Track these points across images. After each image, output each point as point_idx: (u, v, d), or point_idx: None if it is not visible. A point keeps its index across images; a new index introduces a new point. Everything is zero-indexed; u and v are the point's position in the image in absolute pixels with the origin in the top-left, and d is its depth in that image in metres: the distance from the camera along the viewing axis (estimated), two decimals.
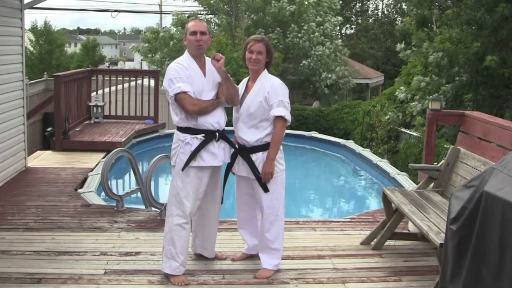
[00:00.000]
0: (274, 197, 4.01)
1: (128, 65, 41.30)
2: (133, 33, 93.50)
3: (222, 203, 4.25)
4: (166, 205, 4.20)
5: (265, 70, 4.05)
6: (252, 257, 4.34)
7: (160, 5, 37.40)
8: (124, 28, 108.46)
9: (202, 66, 3.95)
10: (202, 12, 23.85)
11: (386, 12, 33.67)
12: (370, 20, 33.20)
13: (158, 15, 37.22)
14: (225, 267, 4.23)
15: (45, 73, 18.99)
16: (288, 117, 3.97)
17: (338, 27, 24.90)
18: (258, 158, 3.98)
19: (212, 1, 22.11)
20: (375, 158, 9.34)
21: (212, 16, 23.76)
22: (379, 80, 24.97)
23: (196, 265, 4.24)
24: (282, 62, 18.69)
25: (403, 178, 7.56)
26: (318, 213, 8.16)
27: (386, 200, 4.69)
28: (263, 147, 3.98)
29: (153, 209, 5.66)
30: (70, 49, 52.05)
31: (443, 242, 3.29)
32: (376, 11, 34.28)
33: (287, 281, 4.02)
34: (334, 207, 8.72)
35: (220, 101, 3.96)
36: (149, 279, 3.99)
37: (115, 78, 11.54)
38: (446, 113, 6.23)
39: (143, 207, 5.87)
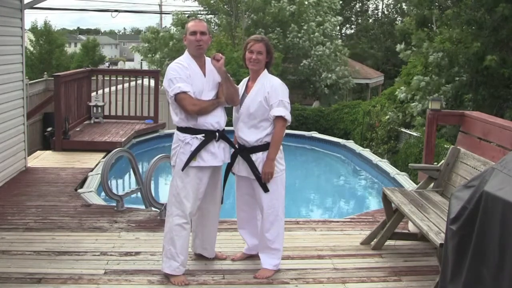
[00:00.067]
0: (274, 197, 4.01)
1: (128, 65, 41.30)
2: (133, 33, 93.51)
3: (222, 203, 4.25)
4: (166, 205, 4.20)
5: (265, 70, 4.05)
6: (252, 257, 4.34)
7: (160, 5, 37.46)
8: (124, 28, 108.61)
9: (202, 66, 3.95)
10: (202, 12, 23.85)
11: (386, 12, 33.69)
12: (370, 20, 33.21)
13: (158, 15, 37.26)
14: (225, 267, 4.23)
15: (45, 73, 18.99)
16: (288, 117, 3.97)
17: (338, 27, 24.90)
18: (258, 158, 3.98)
19: (212, 1, 22.11)
20: (375, 158, 9.34)
21: (212, 16, 23.76)
22: (379, 80, 24.97)
23: (196, 265, 4.24)
24: (282, 62, 18.68)
25: (403, 178, 7.57)
26: (318, 213, 8.16)
27: (386, 200, 4.70)
28: (263, 147, 3.98)
29: (153, 209, 5.66)
30: (70, 49, 52.06)
31: (443, 242, 3.29)
32: (376, 11, 34.32)
33: (287, 281, 4.02)
34: (334, 207, 8.72)
35: (220, 101, 3.96)
36: (149, 279, 3.99)
37: (115, 78, 11.54)
38: (446, 113, 6.23)
39: (143, 207, 5.86)
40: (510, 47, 10.63)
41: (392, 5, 32.54)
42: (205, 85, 3.92)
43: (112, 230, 5.04)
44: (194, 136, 3.88)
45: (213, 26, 23.48)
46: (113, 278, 3.99)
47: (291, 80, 18.80)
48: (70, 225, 5.15)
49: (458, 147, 4.99)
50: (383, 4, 33.83)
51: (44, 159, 8.31)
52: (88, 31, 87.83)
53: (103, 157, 7.81)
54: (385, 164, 8.75)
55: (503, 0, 9.86)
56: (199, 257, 4.34)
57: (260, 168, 3.96)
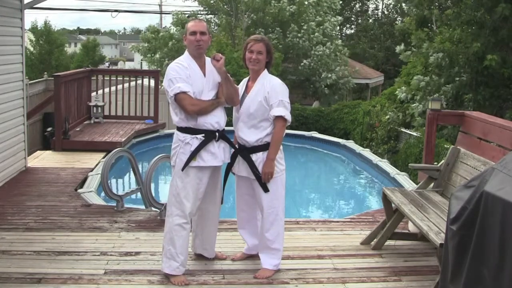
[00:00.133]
0: (274, 197, 4.01)
1: (128, 65, 41.29)
2: (133, 33, 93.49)
3: (222, 203, 4.25)
4: (166, 205, 4.20)
5: (265, 70, 4.05)
6: (252, 257, 4.34)
7: (160, 5, 37.47)
8: (124, 28, 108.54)
9: (202, 66, 3.95)
10: (202, 12, 23.85)
11: (386, 12, 33.68)
12: (370, 20, 33.20)
13: (158, 15, 37.26)
14: (225, 267, 4.23)
15: (45, 73, 18.98)
16: (288, 117, 3.97)
17: (338, 27, 24.90)
18: (258, 158, 3.98)
19: (212, 1, 22.10)
20: (375, 158, 9.34)
21: (212, 16, 23.75)
22: (379, 80, 24.96)
23: (196, 265, 4.24)
24: (282, 62, 18.68)
25: (403, 178, 7.57)
26: (318, 213, 8.16)
27: (386, 200, 4.70)
28: (263, 147, 3.98)
29: (153, 209, 5.65)
30: (70, 49, 52.07)
31: (443, 242, 3.29)
32: (376, 11, 34.31)
33: (287, 281, 4.03)
34: (334, 207, 8.72)
35: (220, 101, 3.96)
36: (149, 279, 3.99)
37: (115, 78, 11.54)
38: (446, 113, 6.23)
39: (143, 207, 5.87)
40: (510, 47, 10.63)
41: (392, 5, 32.54)
42: (205, 85, 3.92)
43: (112, 230, 5.04)
44: (194, 136, 3.88)
45: (213, 26, 23.47)
46: (113, 278, 3.99)
47: (291, 80, 18.79)
48: (70, 225, 5.15)
49: (458, 147, 4.99)
50: (383, 4, 33.86)
51: (44, 159, 8.31)
52: (88, 31, 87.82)
53: (103, 157, 7.81)
54: (385, 164, 8.75)
55: (503, 0, 9.86)
56: (199, 257, 4.34)
57: (260, 168, 3.96)
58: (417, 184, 5.74)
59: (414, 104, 11.61)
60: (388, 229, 4.64)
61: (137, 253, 4.48)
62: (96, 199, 6.10)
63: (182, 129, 3.93)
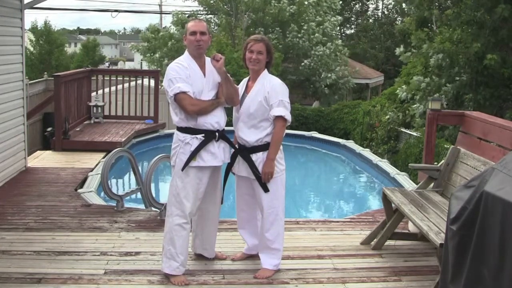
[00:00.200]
0: (274, 197, 4.01)
1: (128, 65, 41.29)
2: (133, 33, 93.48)
3: (222, 203, 4.25)
4: (166, 205, 4.20)
5: (265, 70, 4.05)
6: (252, 257, 4.34)
7: (160, 5, 37.46)
8: (124, 28, 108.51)
9: (202, 66, 3.95)
10: (202, 12, 23.84)
11: (386, 12, 33.68)
12: (370, 20, 33.19)
13: (158, 15, 37.25)
14: (225, 267, 4.23)
15: (45, 73, 18.98)
16: (288, 117, 3.97)
17: (338, 27, 24.90)
18: (258, 158, 3.98)
19: (212, 1, 22.09)
20: (375, 158, 9.34)
21: (212, 16, 23.75)
22: (379, 80, 24.96)
23: (196, 265, 4.24)
24: (282, 62, 18.68)
25: (403, 178, 7.57)
26: (318, 213, 8.17)
27: (386, 200, 4.70)
28: (263, 147, 3.98)
29: (153, 209, 5.65)
30: (70, 49, 52.06)
31: (443, 242, 3.29)
32: (376, 11, 34.30)
33: (287, 281, 4.02)
34: (334, 207, 8.72)
35: (220, 101, 3.96)
36: (149, 279, 3.99)
37: (115, 78, 11.54)
38: (446, 113, 6.23)
39: (143, 207, 5.87)
40: (510, 47, 10.63)
41: (392, 5, 32.54)
42: (205, 85, 3.92)
43: (112, 230, 5.04)
44: (194, 136, 3.88)
45: (213, 26, 23.47)
46: (113, 278, 3.99)
47: (291, 80, 18.79)
48: (70, 225, 5.15)
49: (458, 147, 4.99)
50: (383, 4, 33.86)
51: (44, 159, 8.31)
52: (88, 31, 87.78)
53: (103, 157, 7.81)
54: (385, 164, 8.75)
55: (502, 0, 9.86)
56: (199, 257, 4.34)
57: (260, 168, 3.96)
58: (417, 184, 5.74)
59: (415, 105, 11.61)
60: (388, 229, 4.64)
61: (137, 253, 4.48)
62: (96, 199, 6.10)
63: (182, 129, 3.93)
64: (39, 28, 35.45)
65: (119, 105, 11.05)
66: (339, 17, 22.08)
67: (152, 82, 11.28)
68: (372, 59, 28.81)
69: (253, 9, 19.47)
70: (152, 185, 5.70)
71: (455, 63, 10.65)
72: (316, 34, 19.55)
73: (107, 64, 47.46)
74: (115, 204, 5.70)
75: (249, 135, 3.99)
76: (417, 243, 4.78)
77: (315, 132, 12.42)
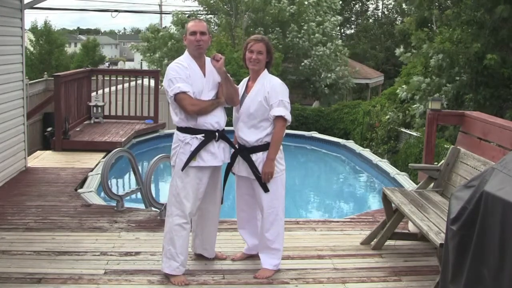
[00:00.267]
0: (274, 197, 4.01)
1: (128, 65, 41.29)
2: (133, 33, 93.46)
3: (222, 203, 4.25)
4: (166, 205, 4.20)
5: (265, 70, 4.05)
6: (252, 257, 4.34)
7: (160, 5, 37.45)
8: (124, 28, 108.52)
9: (202, 66, 3.95)
10: (202, 12, 23.84)
11: (386, 12, 33.68)
12: (370, 20, 33.19)
13: (158, 15, 37.25)
14: (225, 267, 4.23)
15: (45, 73, 18.98)
16: (288, 117, 3.97)
17: (338, 27, 24.89)
18: (258, 158, 3.98)
19: (212, 1, 22.09)
20: (375, 158, 9.34)
21: (212, 16, 23.75)
22: (379, 80, 24.96)
23: (196, 265, 4.24)
24: (282, 62, 18.68)
25: (403, 178, 7.57)
26: (318, 213, 8.16)
27: (386, 200, 4.69)
28: (263, 147, 3.98)
29: (153, 209, 5.65)
30: (70, 49, 52.04)
31: (443, 242, 3.29)
32: (376, 11, 34.29)
33: (287, 281, 4.02)
34: (334, 207, 8.72)
35: (220, 101, 3.96)
36: (149, 279, 3.99)
37: (115, 78, 11.54)
38: (446, 113, 6.23)
39: (143, 207, 5.86)
40: (510, 47, 10.63)
41: (392, 5, 32.53)
42: (205, 85, 3.92)
43: (112, 230, 5.04)
44: (194, 136, 3.88)
45: (213, 26, 23.47)
46: (113, 278, 3.99)
47: (291, 80, 18.79)
48: (70, 225, 5.15)
49: (458, 147, 4.99)
50: (383, 4, 33.85)
51: (44, 159, 8.31)
52: (88, 31, 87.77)
53: (103, 157, 7.81)
54: (385, 164, 8.75)
55: (502, 1, 9.86)
56: (199, 257, 4.34)
57: (260, 168, 3.96)
58: (417, 184, 5.74)
59: (415, 105, 11.61)
60: (388, 229, 4.64)
61: (137, 253, 4.48)
62: (96, 199, 6.10)
63: (182, 129, 3.93)
64: (39, 28, 35.45)
65: (119, 105, 11.05)
66: (339, 17, 22.08)
67: (152, 82, 11.28)
68: (372, 59, 28.80)
69: (253, 9, 19.47)
70: (152, 185, 5.70)
71: (455, 63, 10.65)
72: (316, 35, 19.55)
73: (107, 64, 47.46)
74: (115, 204, 5.70)
75: (249, 135, 3.99)
76: (417, 243, 4.78)
77: (315, 132, 12.42)
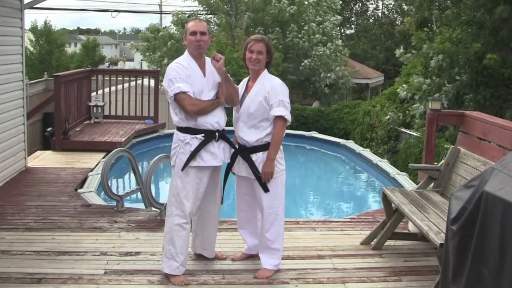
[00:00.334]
0: (274, 197, 4.01)
1: (128, 65, 41.29)
2: (133, 33, 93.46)
3: (222, 203, 4.25)
4: (166, 205, 4.21)
5: (265, 70, 4.05)
6: (252, 257, 4.34)
7: (160, 5, 37.45)
8: (124, 28, 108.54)
9: (202, 66, 3.95)
10: (201, 12, 23.84)
11: (386, 12, 33.67)
12: (370, 20, 33.18)
13: (158, 15, 37.25)
14: (225, 267, 4.23)
15: (45, 73, 18.99)
16: (288, 117, 3.97)
17: (338, 27, 24.89)
18: (258, 158, 3.98)
19: (212, 1, 22.09)
20: (375, 158, 9.34)
21: (212, 16, 23.74)
22: (379, 80, 24.95)
23: (196, 265, 4.24)
24: (282, 62, 18.68)
25: (403, 178, 7.57)
26: (318, 213, 8.16)
27: (386, 200, 4.69)
28: (263, 147, 3.98)
29: (153, 209, 5.65)
30: (70, 49, 52.03)
31: (443, 242, 3.29)
32: (376, 11, 34.28)
33: (287, 281, 4.02)
34: (334, 207, 8.72)
35: (220, 101, 3.96)
36: (149, 279, 3.99)
37: (115, 78, 11.54)
38: (446, 113, 6.23)
39: (143, 207, 5.87)
40: (510, 47, 10.63)
41: (392, 5, 32.51)
42: (205, 85, 3.92)
43: (112, 230, 5.04)
44: (194, 136, 3.88)
45: (213, 26, 23.46)
46: (113, 278, 3.99)
47: (291, 80, 18.79)
48: (70, 225, 5.15)
49: (458, 147, 4.99)
50: (383, 4, 33.84)
51: (44, 159, 8.31)
52: (88, 31, 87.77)
53: (103, 157, 7.81)
54: (385, 164, 8.75)
55: (502, 1, 9.86)
56: (199, 257, 4.34)
57: (260, 168, 3.96)
58: (417, 184, 5.74)
59: (415, 105, 11.61)
60: (388, 229, 4.64)
61: (137, 253, 4.48)
62: (96, 199, 6.10)
63: (182, 129, 3.93)
64: (39, 28, 35.44)
65: (119, 105, 11.05)
66: (339, 17, 22.07)
67: (152, 82, 11.28)
68: (372, 59, 28.80)
69: (253, 9, 19.47)
70: (152, 185, 5.70)
71: (455, 63, 10.65)
72: (317, 35, 19.55)
73: (107, 64, 47.45)
74: (115, 204, 5.70)
75: (249, 135, 3.99)
76: (417, 243, 4.78)
77: (315, 132, 12.42)
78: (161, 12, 35.61)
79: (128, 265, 4.22)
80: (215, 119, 3.92)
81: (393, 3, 30.52)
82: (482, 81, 10.56)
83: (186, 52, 3.98)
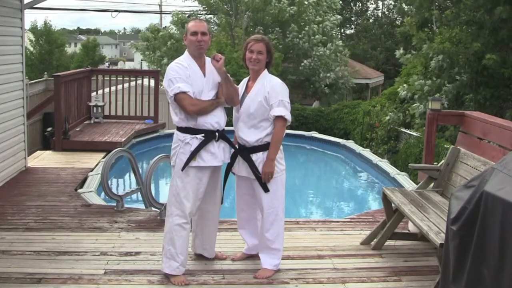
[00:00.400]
0: (274, 197, 4.01)
1: (128, 65, 41.29)
2: (133, 33, 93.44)
3: (222, 203, 4.25)
4: (166, 205, 4.21)
5: (265, 70, 4.05)
6: (252, 257, 4.34)
7: (160, 5, 37.45)
8: (124, 28, 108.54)
9: (202, 66, 3.95)
10: (201, 12, 23.84)
11: (386, 12, 33.66)
12: (370, 20, 33.17)
13: (158, 15, 37.24)
14: (225, 267, 4.23)
15: (45, 73, 18.99)
16: (288, 117, 3.97)
17: (338, 27, 24.88)
18: (258, 158, 3.98)
19: (212, 1, 22.10)
20: (375, 158, 9.34)
21: (212, 16, 23.75)
22: (379, 80, 24.96)
23: (196, 265, 4.24)
24: (282, 62, 18.68)
25: (403, 178, 7.57)
26: (318, 213, 8.16)
27: (386, 200, 4.69)
28: (263, 147, 3.98)
29: (153, 209, 5.66)
30: (70, 49, 52.03)
31: (443, 242, 3.29)
32: (376, 11, 34.26)
33: (287, 281, 4.02)
34: (334, 207, 8.72)
35: (220, 101, 3.96)
36: (149, 279, 3.99)
37: (115, 78, 11.54)
38: (446, 113, 6.23)
39: (143, 207, 5.87)
40: (510, 47, 10.63)
41: (392, 5, 32.47)
42: (205, 85, 3.92)
43: (112, 230, 5.04)
44: (194, 136, 3.88)
45: (213, 26, 23.47)
46: (113, 278, 3.99)
47: (291, 80, 18.79)
48: (70, 225, 5.15)
49: (458, 147, 4.99)
50: (383, 4, 33.83)
51: (44, 159, 8.31)
52: (88, 31, 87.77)
53: (103, 157, 7.81)
54: (385, 164, 8.75)
55: (501, 2, 9.86)
56: (199, 257, 4.34)
57: (260, 168, 3.96)
58: (417, 184, 5.74)
59: (415, 104, 11.61)
60: (388, 229, 4.64)
61: (137, 253, 4.48)
62: (96, 199, 6.10)
63: (182, 129, 3.93)
64: (39, 28, 35.44)
65: (119, 105, 11.05)
66: (339, 17, 22.07)
67: (152, 82, 11.28)
68: (372, 59, 28.79)
69: (253, 9, 19.47)
70: (152, 185, 5.70)
71: (455, 63, 10.65)
72: (317, 36, 19.56)
73: (107, 64, 47.45)
74: (115, 204, 5.70)
75: (249, 135, 3.99)
76: (417, 243, 4.78)
77: (315, 132, 12.42)
78: (161, 12, 35.63)
79: (128, 265, 4.22)
80: (215, 119, 3.92)
81: (393, 3, 30.50)
82: (482, 81, 10.56)
83: (186, 52, 3.98)
